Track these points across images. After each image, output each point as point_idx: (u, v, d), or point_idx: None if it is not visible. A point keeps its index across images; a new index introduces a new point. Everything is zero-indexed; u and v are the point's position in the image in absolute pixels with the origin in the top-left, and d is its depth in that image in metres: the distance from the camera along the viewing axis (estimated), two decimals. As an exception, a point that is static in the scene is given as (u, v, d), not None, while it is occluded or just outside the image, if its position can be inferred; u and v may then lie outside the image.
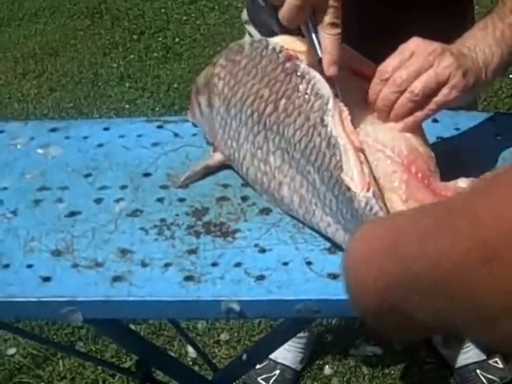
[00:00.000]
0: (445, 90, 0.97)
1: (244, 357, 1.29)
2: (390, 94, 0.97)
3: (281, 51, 1.00)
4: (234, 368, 1.41)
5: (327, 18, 0.94)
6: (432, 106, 0.98)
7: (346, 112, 0.95)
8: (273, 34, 1.11)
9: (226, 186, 1.08)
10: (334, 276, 0.91)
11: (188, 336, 1.74)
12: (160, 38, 3.51)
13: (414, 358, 2.01)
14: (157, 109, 3.03)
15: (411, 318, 0.50)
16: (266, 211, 1.03)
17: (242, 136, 1.04)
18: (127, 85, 3.21)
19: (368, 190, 0.89)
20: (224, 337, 2.08)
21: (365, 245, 0.57)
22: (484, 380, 1.89)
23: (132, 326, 1.83)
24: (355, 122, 0.96)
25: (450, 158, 1.04)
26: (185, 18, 3.67)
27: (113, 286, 0.93)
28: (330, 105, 0.94)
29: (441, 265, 0.46)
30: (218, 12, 3.68)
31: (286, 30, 1.03)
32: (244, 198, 1.05)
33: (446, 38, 1.01)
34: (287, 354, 1.94)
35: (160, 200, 1.06)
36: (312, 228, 0.98)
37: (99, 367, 2.00)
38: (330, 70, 0.95)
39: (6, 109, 3.10)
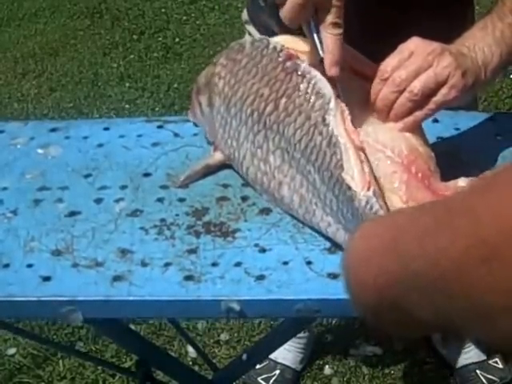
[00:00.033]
0: (444, 90, 0.97)
1: (244, 357, 1.29)
2: (389, 93, 0.97)
3: (281, 50, 1.00)
4: (234, 368, 1.41)
5: (330, 18, 0.93)
6: (431, 105, 0.98)
7: (346, 112, 0.95)
8: (273, 34, 1.11)
9: (226, 185, 1.08)
10: (334, 276, 0.91)
11: (188, 336, 1.74)
12: (160, 38, 3.51)
13: (414, 357, 2.01)
14: (157, 109, 3.03)
15: (410, 315, 0.51)
16: (266, 211, 1.03)
17: (242, 135, 1.04)
18: (127, 85, 3.21)
19: (368, 189, 0.89)
20: (224, 337, 2.08)
21: (365, 243, 0.58)
22: (484, 380, 1.89)
23: (132, 326, 1.83)
24: (355, 122, 0.96)
25: (450, 157, 1.04)
26: (185, 18, 3.67)
27: (113, 286, 0.93)
28: (332, 104, 0.94)
29: (440, 263, 0.46)
30: (218, 12, 3.68)
31: (286, 30, 1.03)
32: (244, 198, 1.05)
33: (446, 39, 1.01)
34: (287, 353, 1.94)
35: (160, 200, 1.06)
36: (312, 228, 0.98)
37: (99, 367, 2.00)
38: (332, 71, 0.95)
39: (6, 109, 3.10)
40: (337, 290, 0.86)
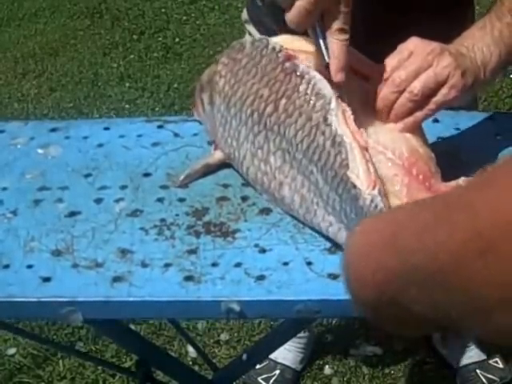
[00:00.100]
0: (444, 90, 0.97)
1: (244, 357, 1.29)
2: (389, 93, 0.97)
3: (280, 51, 1.00)
4: (234, 368, 1.41)
5: (337, 24, 0.92)
6: (431, 105, 0.98)
7: (348, 112, 0.94)
8: (273, 33, 1.11)
9: (226, 185, 1.08)
10: (334, 276, 0.91)
11: (188, 336, 1.74)
12: (160, 38, 3.51)
13: (414, 358, 2.01)
14: (157, 109, 3.03)
15: (409, 310, 0.51)
16: (266, 211, 1.03)
17: (242, 135, 1.04)
18: (127, 85, 3.21)
19: (374, 188, 0.89)
20: (224, 337, 2.08)
21: (364, 238, 0.58)
22: (484, 380, 1.89)
23: (132, 326, 1.83)
24: (356, 123, 0.95)
25: (450, 158, 1.04)
26: (185, 18, 3.67)
27: (113, 287, 0.93)
28: (333, 104, 0.94)
29: (438, 257, 0.46)
30: (218, 12, 3.68)
31: (285, 30, 1.03)
32: (244, 198, 1.05)
33: (446, 39, 1.01)
34: (287, 353, 1.94)
35: (160, 200, 1.06)
36: (312, 228, 0.98)
37: (99, 367, 2.00)
38: (338, 76, 0.94)
39: (6, 109, 3.10)
40: (337, 291, 0.86)
